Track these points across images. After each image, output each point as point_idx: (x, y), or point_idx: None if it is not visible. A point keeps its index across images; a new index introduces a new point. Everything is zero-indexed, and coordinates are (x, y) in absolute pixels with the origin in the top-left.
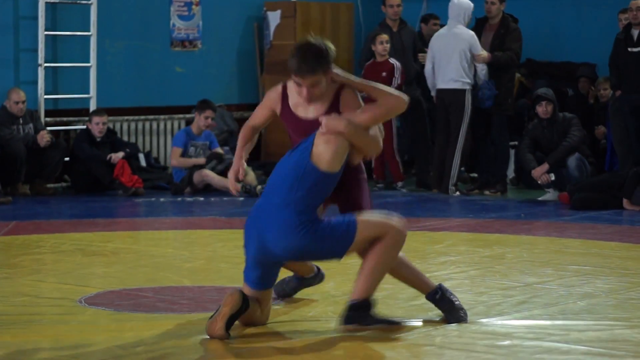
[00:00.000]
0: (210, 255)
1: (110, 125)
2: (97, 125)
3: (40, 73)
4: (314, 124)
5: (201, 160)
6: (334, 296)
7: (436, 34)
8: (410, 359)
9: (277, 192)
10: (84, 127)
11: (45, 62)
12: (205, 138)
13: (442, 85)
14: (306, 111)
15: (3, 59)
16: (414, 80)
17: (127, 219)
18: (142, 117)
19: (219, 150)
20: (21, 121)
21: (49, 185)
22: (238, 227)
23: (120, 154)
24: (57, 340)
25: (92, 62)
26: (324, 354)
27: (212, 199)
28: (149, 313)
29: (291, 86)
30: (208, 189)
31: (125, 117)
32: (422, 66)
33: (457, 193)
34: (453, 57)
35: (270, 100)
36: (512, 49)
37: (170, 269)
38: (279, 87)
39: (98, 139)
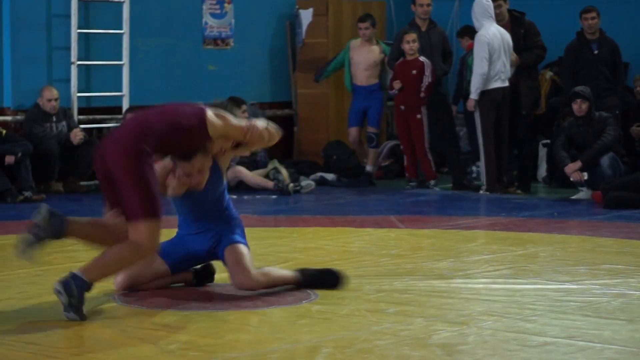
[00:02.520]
0: None
1: None
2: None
3: (73, 71)
4: None
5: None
6: (367, 294)
7: (492, 34)
8: (443, 358)
9: None
10: (117, 124)
11: (78, 60)
12: None
13: (496, 84)
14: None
15: (36, 57)
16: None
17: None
18: None
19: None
20: (54, 119)
21: (82, 183)
22: (271, 226)
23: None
24: (93, 337)
25: (125, 60)
26: (354, 356)
27: (245, 196)
28: (183, 310)
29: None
30: (240, 187)
31: None
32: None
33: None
34: (502, 55)
35: None
36: (538, 45)
37: None
38: None
39: None
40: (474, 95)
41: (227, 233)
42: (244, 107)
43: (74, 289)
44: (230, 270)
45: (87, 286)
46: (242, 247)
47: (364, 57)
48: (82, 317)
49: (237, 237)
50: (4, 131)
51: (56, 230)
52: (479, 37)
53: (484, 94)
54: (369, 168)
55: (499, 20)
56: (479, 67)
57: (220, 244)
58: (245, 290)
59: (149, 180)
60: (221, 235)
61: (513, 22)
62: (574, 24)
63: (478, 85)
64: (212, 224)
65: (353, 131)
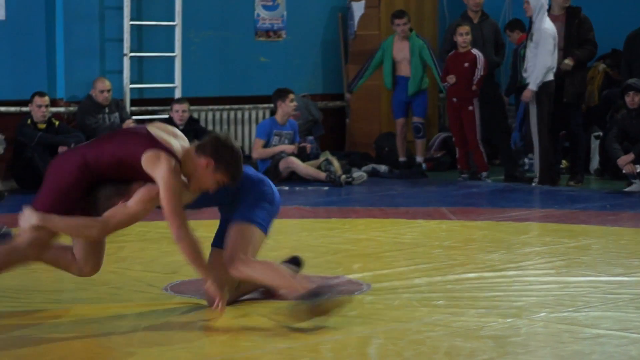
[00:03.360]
0: (296, 244)
1: (195, 115)
2: (177, 113)
3: (126, 62)
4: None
5: (282, 147)
6: (419, 285)
7: (552, 28)
8: (496, 350)
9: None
10: (168, 116)
11: (131, 51)
12: (290, 127)
13: (550, 77)
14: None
15: (89, 48)
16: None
17: (212, 207)
18: (227, 106)
19: (308, 147)
20: (107, 110)
21: None
22: (322, 217)
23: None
24: (143, 327)
25: (177, 51)
26: (406, 347)
27: (297, 188)
28: (240, 299)
29: (184, 164)
30: (292, 178)
31: (210, 107)
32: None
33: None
34: (556, 49)
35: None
36: (589, 40)
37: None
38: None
39: (180, 127)
40: (534, 86)
41: (240, 207)
42: (291, 96)
43: None
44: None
45: None
46: (243, 227)
47: (404, 52)
48: None
49: (244, 214)
50: (57, 122)
51: None
52: (545, 30)
53: (542, 86)
54: (419, 159)
55: (554, 12)
56: (546, 59)
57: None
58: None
59: None
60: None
61: (568, 15)
62: (628, 15)
63: (541, 78)
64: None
65: (400, 122)
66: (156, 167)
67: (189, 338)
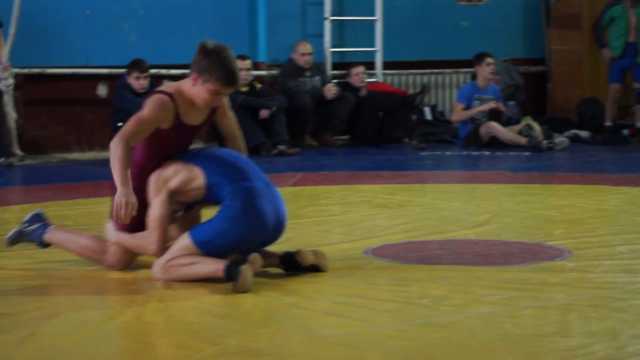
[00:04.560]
0: (496, 209)
1: (396, 79)
2: (357, 77)
3: (327, 26)
4: (199, 129)
5: (479, 108)
6: (621, 252)
7: None
8: None
9: (258, 173)
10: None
11: (332, 15)
12: (491, 92)
13: None
14: (194, 118)
15: (290, 12)
16: None
17: (412, 171)
18: (427, 70)
19: (500, 106)
20: (308, 73)
21: (335, 137)
22: (524, 182)
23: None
24: (342, 291)
25: (378, 15)
26: (608, 315)
27: (498, 153)
28: (434, 265)
29: (180, 94)
30: (493, 143)
31: (411, 71)
32: None
33: None
34: None
35: (160, 118)
36: None
37: (456, 222)
38: (168, 101)
39: (361, 91)
40: None
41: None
42: (488, 60)
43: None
44: None
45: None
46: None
47: (636, 17)
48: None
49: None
50: (259, 85)
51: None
52: None
53: None
54: (638, 124)
55: None
56: None
57: None
58: None
59: None
60: None
61: None
62: None
63: None
64: None
65: (615, 87)
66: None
67: (390, 300)
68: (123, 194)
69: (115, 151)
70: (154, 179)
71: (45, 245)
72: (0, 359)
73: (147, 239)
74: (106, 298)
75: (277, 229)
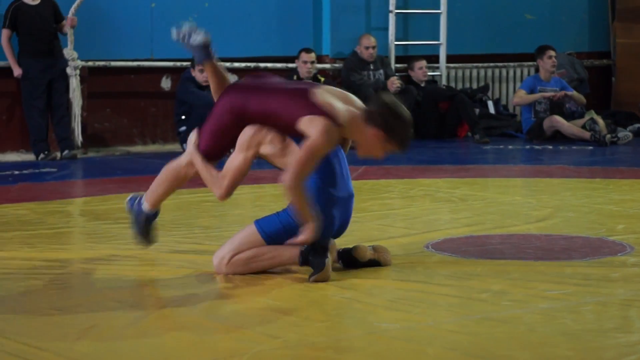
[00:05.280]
0: (559, 204)
1: (460, 73)
2: (420, 70)
3: (391, 19)
4: None
5: (542, 94)
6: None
7: None
8: None
9: (347, 182)
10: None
11: (396, 8)
12: (554, 84)
13: None
14: None
15: (355, 5)
16: None
17: (475, 165)
18: (492, 64)
19: (562, 95)
20: (372, 67)
21: None
22: (586, 176)
23: None
24: (402, 285)
25: (443, 8)
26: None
27: (561, 147)
28: (496, 259)
29: (352, 130)
30: (557, 137)
31: (475, 64)
32: None
33: None
34: None
35: (329, 148)
36: None
37: (518, 216)
38: (336, 130)
39: (422, 84)
40: None
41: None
42: (549, 52)
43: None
44: None
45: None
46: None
47: None
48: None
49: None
50: (323, 78)
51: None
52: None
53: None
54: None
55: None
56: None
57: None
58: None
59: None
60: None
61: None
62: None
63: None
64: None
65: None
66: (311, 126)
67: (451, 295)
68: (310, 230)
69: (294, 194)
70: (250, 133)
71: (153, 214)
72: (61, 352)
73: (218, 181)
74: (166, 292)
75: (336, 234)
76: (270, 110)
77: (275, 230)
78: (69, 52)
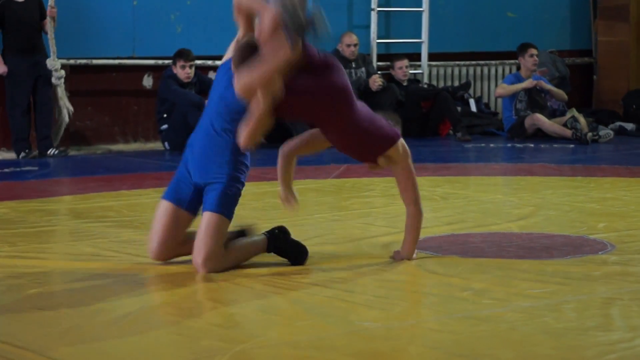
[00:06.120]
0: (540, 202)
1: (442, 71)
2: (400, 70)
3: (373, 17)
4: None
5: (525, 84)
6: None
7: None
8: None
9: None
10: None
11: (378, 6)
12: None
13: None
14: None
15: (337, 3)
16: None
17: (456, 163)
18: (473, 62)
19: (543, 83)
20: (353, 65)
21: None
22: (568, 174)
23: None
24: (383, 284)
25: (425, 6)
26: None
27: (543, 145)
28: (477, 258)
29: None
30: (538, 135)
31: (457, 62)
32: None
33: None
34: None
35: None
36: None
37: (499, 214)
38: None
39: (404, 83)
40: None
41: (210, 191)
42: (531, 50)
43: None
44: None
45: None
46: (212, 217)
47: None
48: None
49: (213, 203)
50: None
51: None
52: None
53: None
54: None
55: None
56: None
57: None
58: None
59: None
60: (206, 187)
61: None
62: None
63: None
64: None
65: None
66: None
67: (432, 294)
68: None
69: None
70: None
71: None
72: (43, 351)
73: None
74: (147, 290)
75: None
76: None
77: (232, 205)
78: (52, 62)
